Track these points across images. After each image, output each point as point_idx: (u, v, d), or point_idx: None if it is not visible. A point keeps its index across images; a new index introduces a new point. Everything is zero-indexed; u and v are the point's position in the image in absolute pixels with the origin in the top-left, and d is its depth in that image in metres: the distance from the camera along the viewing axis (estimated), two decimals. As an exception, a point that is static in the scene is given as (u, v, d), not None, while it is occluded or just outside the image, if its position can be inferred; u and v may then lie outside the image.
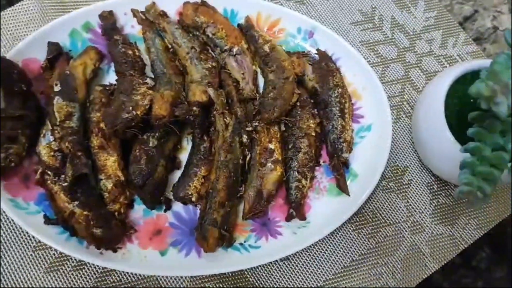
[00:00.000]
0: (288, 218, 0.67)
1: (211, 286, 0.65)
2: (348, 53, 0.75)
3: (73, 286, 0.63)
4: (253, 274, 0.66)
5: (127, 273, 0.64)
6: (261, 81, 0.75)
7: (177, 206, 0.67)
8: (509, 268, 0.72)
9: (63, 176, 0.62)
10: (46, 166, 0.63)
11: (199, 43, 0.74)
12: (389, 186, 0.73)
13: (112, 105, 0.65)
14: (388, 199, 0.72)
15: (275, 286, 0.66)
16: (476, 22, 0.88)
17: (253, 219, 0.67)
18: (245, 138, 0.68)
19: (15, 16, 0.75)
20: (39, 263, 0.63)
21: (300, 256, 0.67)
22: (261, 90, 0.73)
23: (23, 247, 0.64)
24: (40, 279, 0.63)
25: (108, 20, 0.73)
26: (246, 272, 0.66)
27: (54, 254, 0.64)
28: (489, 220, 0.73)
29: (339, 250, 0.68)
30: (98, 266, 0.64)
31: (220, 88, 0.71)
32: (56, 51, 0.70)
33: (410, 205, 0.72)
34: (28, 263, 0.63)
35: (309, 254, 0.68)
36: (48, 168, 0.63)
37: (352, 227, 0.70)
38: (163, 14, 0.75)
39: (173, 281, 0.64)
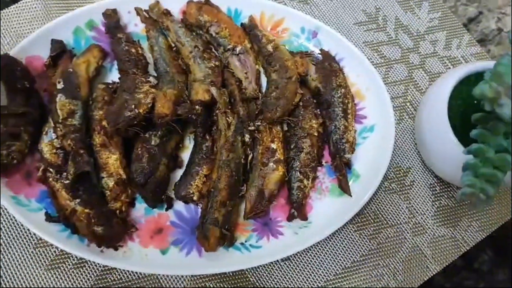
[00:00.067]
0: (290, 218, 0.67)
1: (211, 286, 0.65)
2: (351, 54, 0.75)
3: (74, 284, 0.63)
4: (254, 274, 0.66)
5: (128, 271, 0.64)
6: (264, 80, 0.75)
7: (179, 205, 0.67)
8: (511, 270, 0.72)
9: (65, 173, 0.62)
10: (48, 163, 0.63)
11: (202, 42, 0.74)
12: (391, 187, 0.73)
13: (114, 103, 0.65)
14: (390, 200, 0.72)
15: (276, 286, 0.65)
16: (481, 23, 0.88)
17: (254, 219, 0.67)
18: (247, 137, 0.68)
19: (19, 13, 0.75)
20: (40, 260, 0.63)
21: (301, 256, 0.67)
22: (264, 90, 0.73)
23: (24, 244, 0.64)
24: (41, 276, 0.63)
25: (112, 18, 0.73)
26: (247, 272, 0.66)
27: (55, 252, 0.64)
28: (492, 222, 0.72)
29: (340, 250, 0.68)
30: (98, 264, 0.64)
31: (223, 87, 0.71)
32: (59, 49, 0.70)
33: (412, 206, 0.72)
34: (29, 260, 0.63)
35: (310, 255, 0.67)
36: (50, 166, 0.63)
37: (353, 228, 0.70)
38: (167, 13, 0.75)
39: (173, 280, 0.64)
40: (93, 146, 0.64)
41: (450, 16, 0.86)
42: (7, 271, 0.62)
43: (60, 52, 0.70)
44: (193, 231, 0.65)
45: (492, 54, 0.85)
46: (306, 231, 0.66)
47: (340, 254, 0.68)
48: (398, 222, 0.71)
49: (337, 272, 0.67)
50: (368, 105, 0.73)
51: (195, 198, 0.65)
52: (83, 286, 0.63)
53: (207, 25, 0.74)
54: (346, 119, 0.71)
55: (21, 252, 0.63)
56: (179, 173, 0.68)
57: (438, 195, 0.73)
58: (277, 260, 0.66)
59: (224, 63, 0.74)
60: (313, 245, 0.66)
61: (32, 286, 0.62)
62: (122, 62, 0.70)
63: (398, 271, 0.68)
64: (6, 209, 0.62)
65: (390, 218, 0.71)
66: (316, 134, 0.70)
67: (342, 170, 0.69)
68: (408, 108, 0.78)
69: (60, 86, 0.66)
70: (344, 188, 0.69)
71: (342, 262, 0.68)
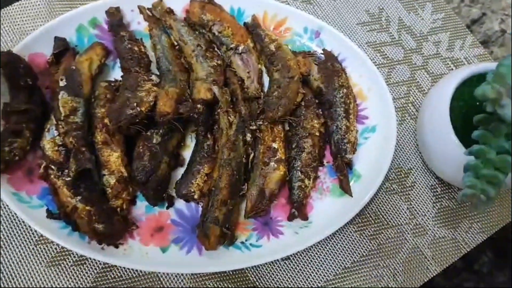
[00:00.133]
0: (290, 218, 0.67)
1: (211, 284, 0.65)
2: (354, 54, 0.75)
3: (74, 281, 0.63)
4: (254, 273, 0.66)
5: (128, 269, 0.64)
6: (266, 80, 0.75)
7: (180, 203, 0.67)
8: (511, 272, 0.71)
9: (66, 170, 0.62)
10: (50, 160, 0.63)
11: (205, 41, 0.74)
12: (392, 188, 0.73)
13: (116, 101, 0.65)
14: (391, 201, 0.72)
15: (276, 286, 0.66)
16: (484, 25, 0.88)
17: (255, 218, 0.67)
18: (248, 136, 0.68)
19: (23, 10, 0.75)
20: (41, 257, 0.64)
21: (301, 256, 0.67)
22: (266, 89, 0.73)
23: (25, 241, 0.64)
24: (41, 273, 0.63)
25: (115, 16, 0.73)
26: (247, 271, 0.66)
27: (55, 249, 0.64)
28: (492, 224, 0.72)
29: (341, 251, 0.68)
30: (99, 261, 0.64)
31: (225, 86, 0.71)
32: (62, 46, 0.70)
33: (413, 207, 0.72)
34: (29, 257, 0.63)
35: (311, 254, 0.67)
36: (52, 163, 0.63)
37: (354, 228, 0.69)
38: (170, 11, 0.75)
39: (173, 279, 0.64)
40: (94, 143, 0.64)
41: (454, 17, 0.85)
42: (7, 268, 0.63)
43: (63, 49, 0.70)
44: (193, 229, 0.65)
45: (495, 56, 0.85)
46: (306, 230, 0.66)
47: (340, 254, 0.68)
48: (399, 223, 0.71)
49: (337, 272, 0.67)
50: (370, 105, 0.73)
51: (196, 196, 0.65)
52: (83, 283, 0.63)
53: (210, 24, 0.74)
54: (348, 119, 0.71)
55: (22, 249, 0.64)
56: (180, 171, 0.68)
57: (439, 196, 0.73)
58: (277, 260, 0.66)
59: (226, 62, 0.74)
60: (313, 245, 0.66)
61: (33, 283, 0.62)
62: (125, 60, 0.71)
63: (398, 272, 0.68)
64: (7, 205, 0.62)
65: (391, 218, 0.71)
66: (317, 134, 0.70)
67: (343, 170, 0.69)
68: (410, 109, 0.78)
69: (62, 83, 0.66)
70: (345, 188, 0.68)
71: (342, 262, 0.68)
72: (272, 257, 0.64)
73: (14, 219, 0.65)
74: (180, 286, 0.64)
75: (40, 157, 0.65)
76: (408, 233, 0.70)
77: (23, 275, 0.63)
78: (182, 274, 0.65)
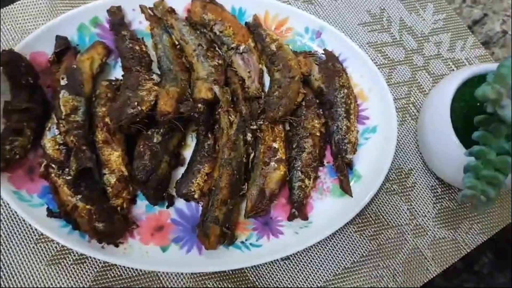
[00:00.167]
0: (290, 218, 0.67)
1: (211, 284, 0.65)
2: (355, 54, 0.75)
3: (74, 280, 0.63)
4: (254, 273, 0.66)
5: (128, 268, 0.64)
6: (267, 79, 0.75)
7: (180, 203, 0.67)
8: (511, 274, 0.71)
9: (67, 169, 0.62)
10: (50, 159, 0.63)
11: (206, 41, 0.74)
12: (392, 188, 0.73)
13: (117, 100, 0.65)
14: (391, 201, 0.72)
15: (275, 286, 0.66)
16: (485, 25, 0.88)
17: (255, 218, 0.67)
18: (249, 136, 0.68)
19: (24, 9, 0.76)
20: (41, 255, 0.64)
21: (301, 256, 0.67)
22: (266, 89, 0.73)
23: (25, 239, 0.64)
24: (41, 271, 0.63)
25: (116, 15, 0.73)
26: (246, 271, 0.66)
27: (56, 247, 0.64)
28: (493, 225, 0.72)
29: (340, 251, 0.68)
30: (99, 260, 0.64)
31: (225, 86, 0.71)
32: (64, 45, 0.70)
33: (413, 208, 0.72)
34: (29, 256, 0.63)
35: (310, 254, 0.67)
36: (53, 161, 0.63)
37: (354, 228, 0.69)
38: (171, 11, 0.75)
39: (173, 278, 0.64)
40: (95, 142, 0.64)
41: (455, 18, 0.85)
42: (7, 266, 0.63)
43: (65, 48, 0.70)
44: (193, 229, 0.65)
45: (496, 57, 0.85)
46: (306, 231, 0.66)
47: (340, 255, 0.68)
48: (399, 224, 0.71)
49: (337, 273, 0.67)
50: (371, 106, 0.73)
51: (196, 196, 0.65)
52: (83, 282, 0.63)
53: (211, 24, 0.74)
54: (348, 120, 0.71)
55: (22, 247, 0.64)
56: (180, 171, 0.68)
57: (440, 197, 0.73)
58: (277, 260, 0.66)
59: (227, 62, 0.74)
60: (313, 245, 0.66)
61: (33, 281, 0.62)
62: (126, 59, 0.71)
63: (398, 273, 0.68)
64: (8, 204, 0.62)
65: (391, 219, 0.71)
66: (318, 134, 0.70)
67: (344, 170, 0.69)
68: (411, 109, 0.78)
69: (63, 82, 0.66)
70: (345, 189, 0.68)
71: (342, 263, 0.68)
72: (272, 257, 0.64)
73: (15, 218, 0.65)
74: (180, 286, 0.64)
75: (41, 155, 0.65)
76: (408, 234, 0.70)
77: (23, 273, 0.63)
78: (182, 274, 0.65)
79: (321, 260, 0.67)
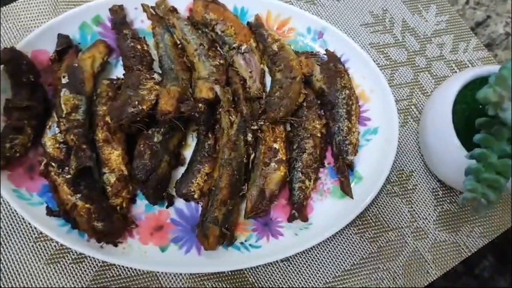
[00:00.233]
0: (290, 219, 0.67)
1: (210, 285, 0.64)
2: (357, 55, 0.74)
3: (73, 279, 0.63)
4: (253, 274, 0.66)
5: (127, 268, 0.64)
6: (268, 80, 0.74)
7: (179, 203, 0.67)
8: (512, 277, 0.71)
9: (67, 168, 0.62)
10: (50, 157, 0.63)
11: (207, 40, 0.74)
12: (393, 191, 0.72)
13: (118, 99, 0.65)
14: (392, 203, 0.71)
15: (275, 287, 0.65)
16: (488, 27, 0.87)
17: (254, 219, 0.67)
18: (250, 136, 0.68)
19: (26, 7, 0.76)
20: (40, 254, 0.64)
21: (301, 257, 0.67)
22: (268, 89, 0.73)
23: (24, 238, 0.64)
24: (40, 270, 0.63)
25: (118, 14, 0.73)
26: (245, 272, 0.66)
27: (55, 246, 0.64)
28: (494, 228, 0.72)
29: (340, 253, 0.68)
30: (98, 259, 0.64)
31: (227, 86, 0.71)
32: (65, 44, 0.70)
33: (414, 210, 0.71)
34: (28, 254, 0.63)
35: (310, 256, 0.67)
36: (53, 160, 0.63)
37: (354, 230, 0.69)
38: (173, 10, 0.75)
39: (172, 278, 0.64)
40: (95, 141, 0.64)
41: (458, 20, 0.85)
42: (6, 265, 0.63)
43: (66, 47, 0.70)
44: (193, 229, 0.65)
45: (499, 59, 0.85)
46: (306, 232, 0.66)
47: (340, 257, 0.68)
48: (400, 226, 0.70)
49: (337, 275, 0.67)
50: (373, 107, 0.73)
51: (196, 196, 0.65)
52: (81, 281, 0.63)
53: (213, 23, 0.74)
54: (349, 121, 0.71)
55: (21, 246, 0.64)
56: (180, 170, 0.68)
57: (441, 199, 0.73)
58: (277, 261, 0.66)
59: (229, 62, 0.74)
60: (313, 246, 0.66)
61: (31, 280, 0.62)
62: (127, 58, 0.71)
63: (398, 275, 0.68)
64: (7, 202, 0.62)
65: (392, 221, 0.70)
66: (319, 135, 0.70)
67: (345, 171, 0.69)
68: (413, 111, 0.78)
69: (64, 80, 0.66)
70: (345, 190, 0.68)
71: (342, 265, 0.67)
72: (271, 258, 0.63)
73: (14, 216, 0.65)
74: (178, 286, 0.64)
75: (41, 154, 0.65)
76: (408, 236, 0.70)
77: (21, 272, 0.63)
78: (181, 274, 0.64)
79: (320, 262, 0.67)
